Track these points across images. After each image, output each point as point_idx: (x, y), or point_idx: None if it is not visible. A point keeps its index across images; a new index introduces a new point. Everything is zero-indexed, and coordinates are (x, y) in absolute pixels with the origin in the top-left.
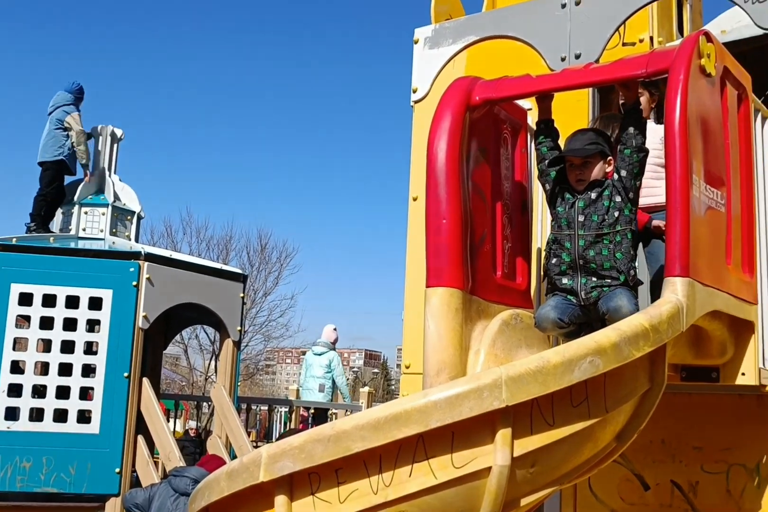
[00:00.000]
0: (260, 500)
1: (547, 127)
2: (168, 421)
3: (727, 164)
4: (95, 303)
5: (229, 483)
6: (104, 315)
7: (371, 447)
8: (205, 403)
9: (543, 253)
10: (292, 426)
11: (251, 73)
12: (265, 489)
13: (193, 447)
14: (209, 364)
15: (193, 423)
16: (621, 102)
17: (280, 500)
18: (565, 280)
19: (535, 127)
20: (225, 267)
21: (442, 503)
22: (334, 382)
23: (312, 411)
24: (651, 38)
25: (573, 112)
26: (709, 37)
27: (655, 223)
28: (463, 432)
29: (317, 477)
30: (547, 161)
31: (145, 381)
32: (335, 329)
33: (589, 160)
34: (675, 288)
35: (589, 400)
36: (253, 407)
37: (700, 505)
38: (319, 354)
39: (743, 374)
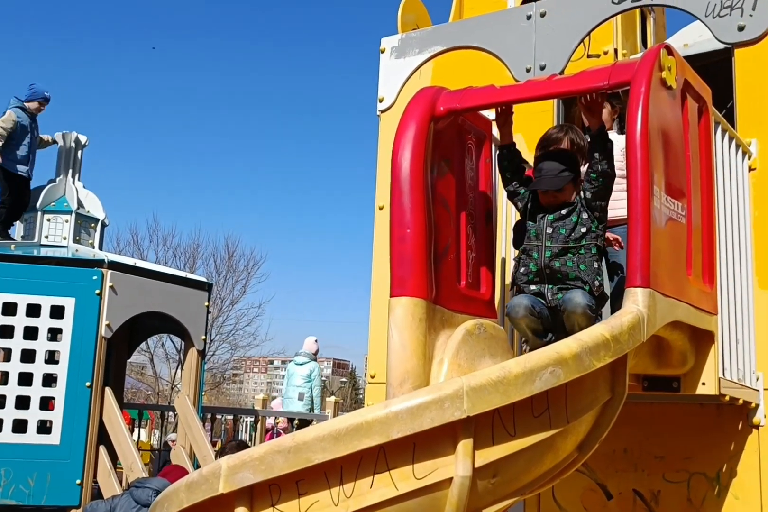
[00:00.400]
0: None
1: (509, 152)
2: (133, 431)
3: (688, 176)
4: (57, 312)
5: (189, 494)
6: (66, 323)
7: (332, 458)
8: (170, 413)
9: (513, 263)
10: (258, 436)
11: (219, 82)
12: (225, 500)
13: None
14: (175, 373)
15: (173, 435)
16: (586, 125)
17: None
18: (532, 287)
19: (498, 152)
20: (190, 276)
21: None
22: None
23: (296, 422)
24: (615, 50)
25: (538, 124)
26: (670, 50)
27: (607, 234)
28: (424, 443)
29: (277, 489)
30: (515, 183)
31: (108, 390)
32: (316, 341)
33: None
34: (636, 299)
35: (551, 410)
36: (219, 416)
37: None
38: (301, 364)
39: (704, 384)
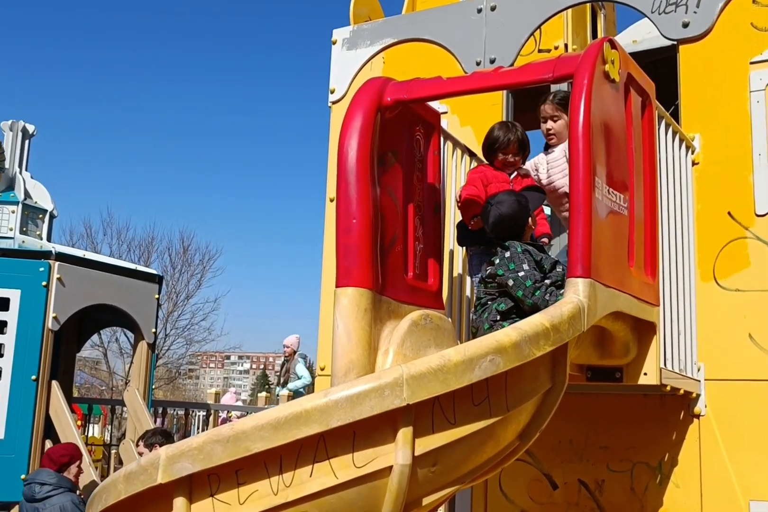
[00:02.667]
0: (159, 502)
1: None
2: (86, 427)
3: (631, 169)
4: (2, 304)
5: (127, 485)
6: (11, 316)
7: (271, 447)
8: (122, 408)
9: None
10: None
11: (170, 66)
12: (164, 491)
13: None
14: (129, 368)
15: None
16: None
17: (179, 502)
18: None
19: None
20: (140, 268)
21: (343, 503)
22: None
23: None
24: (566, 45)
25: (487, 117)
26: (613, 43)
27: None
28: (364, 432)
29: (217, 478)
30: None
31: (55, 384)
32: (298, 337)
33: None
34: (577, 289)
35: (491, 399)
36: (171, 411)
37: (606, 503)
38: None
39: (645, 374)
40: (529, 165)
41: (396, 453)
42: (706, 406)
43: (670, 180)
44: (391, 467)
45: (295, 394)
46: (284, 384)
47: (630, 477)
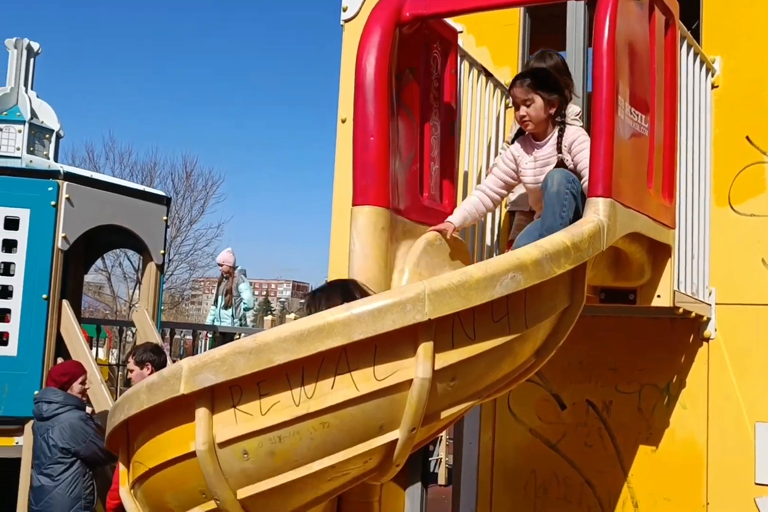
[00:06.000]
0: (181, 413)
1: None
2: (91, 349)
3: (653, 89)
4: (12, 224)
5: (150, 396)
6: (21, 235)
7: (294, 359)
8: (129, 331)
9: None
10: None
11: None
12: (186, 402)
13: None
14: (133, 292)
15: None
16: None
17: (201, 412)
18: None
19: None
20: (148, 189)
21: (364, 414)
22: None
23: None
24: None
25: (503, 36)
26: None
27: None
28: (385, 345)
29: (239, 390)
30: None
31: (65, 303)
32: (230, 251)
33: None
34: (597, 209)
35: (510, 316)
36: (178, 335)
37: (613, 423)
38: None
39: (659, 296)
40: (504, 155)
41: (416, 367)
42: (716, 330)
43: (690, 103)
44: (411, 380)
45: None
46: (226, 307)
47: (638, 398)
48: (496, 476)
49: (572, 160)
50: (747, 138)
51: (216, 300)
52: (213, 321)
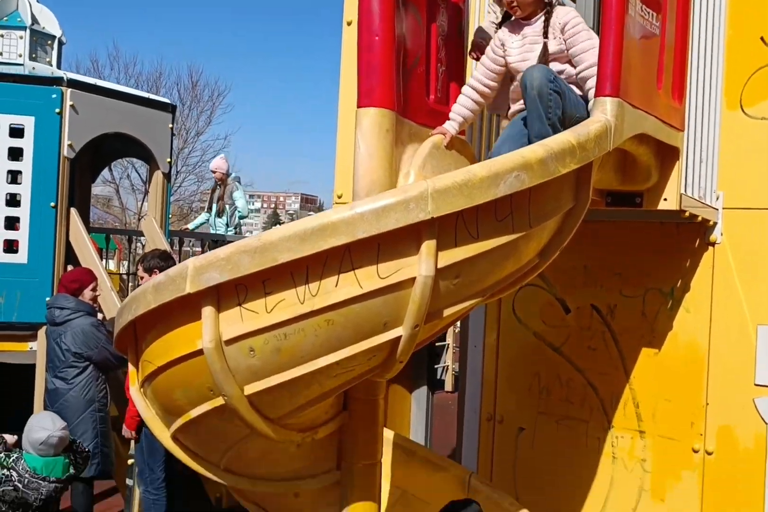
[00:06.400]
0: (187, 312)
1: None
2: (101, 260)
3: None
4: (17, 132)
5: (156, 295)
6: (27, 143)
7: (298, 257)
8: (138, 243)
9: None
10: None
11: None
12: (192, 301)
13: None
14: (142, 204)
15: None
16: None
17: (207, 311)
18: None
19: None
20: (153, 97)
21: (368, 312)
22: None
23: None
24: None
25: None
26: None
27: None
28: (389, 244)
29: (244, 288)
30: None
31: (73, 211)
32: (224, 158)
33: None
34: (605, 108)
35: (514, 215)
36: (186, 247)
37: (617, 327)
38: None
39: (665, 199)
40: (492, 43)
41: (419, 265)
42: (722, 234)
43: (703, 2)
44: (414, 278)
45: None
46: (219, 214)
47: (642, 302)
48: (500, 379)
49: (565, 45)
50: (761, 39)
51: (210, 208)
52: (199, 226)
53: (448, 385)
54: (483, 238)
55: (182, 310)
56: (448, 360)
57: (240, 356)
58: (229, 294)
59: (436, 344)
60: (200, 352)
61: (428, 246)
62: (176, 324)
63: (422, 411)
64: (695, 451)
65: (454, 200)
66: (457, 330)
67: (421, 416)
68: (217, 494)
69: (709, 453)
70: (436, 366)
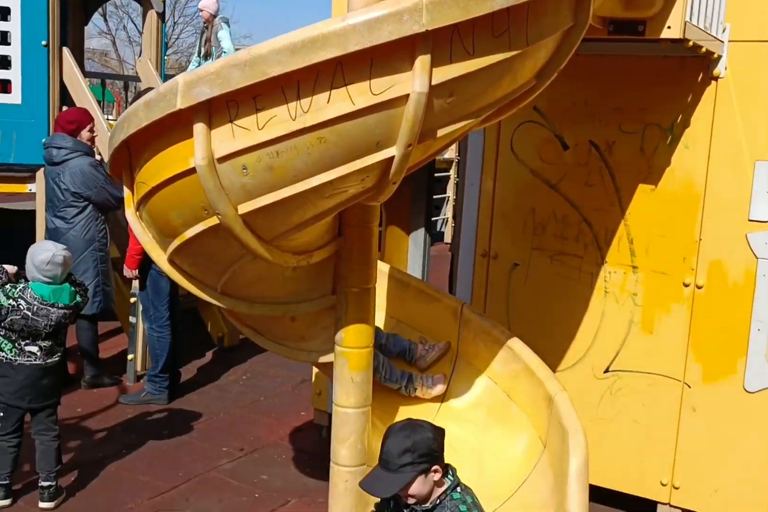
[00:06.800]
0: (180, 129)
1: None
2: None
3: None
4: None
5: (147, 112)
6: None
7: (288, 71)
8: (135, 84)
9: None
10: None
11: None
12: (184, 117)
13: None
14: (139, 57)
15: None
16: None
17: (199, 127)
18: None
19: None
20: None
21: (360, 130)
22: None
23: None
24: None
25: None
26: None
27: None
28: (381, 58)
29: (235, 104)
30: None
31: (66, 50)
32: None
33: None
34: None
35: (511, 31)
36: None
37: (614, 163)
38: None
39: (669, 27)
40: None
41: (413, 81)
42: (726, 68)
43: None
44: (407, 95)
45: None
46: (206, 57)
47: (641, 138)
48: (496, 216)
49: None
50: None
51: (199, 51)
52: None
53: (448, 237)
54: (479, 55)
55: (174, 128)
56: (448, 212)
57: (233, 174)
58: (220, 110)
59: (435, 197)
60: (193, 171)
61: (422, 61)
62: (168, 142)
63: (419, 250)
64: (686, 285)
65: (450, 12)
66: (456, 180)
67: (418, 254)
68: (219, 333)
69: (699, 287)
70: (435, 219)
